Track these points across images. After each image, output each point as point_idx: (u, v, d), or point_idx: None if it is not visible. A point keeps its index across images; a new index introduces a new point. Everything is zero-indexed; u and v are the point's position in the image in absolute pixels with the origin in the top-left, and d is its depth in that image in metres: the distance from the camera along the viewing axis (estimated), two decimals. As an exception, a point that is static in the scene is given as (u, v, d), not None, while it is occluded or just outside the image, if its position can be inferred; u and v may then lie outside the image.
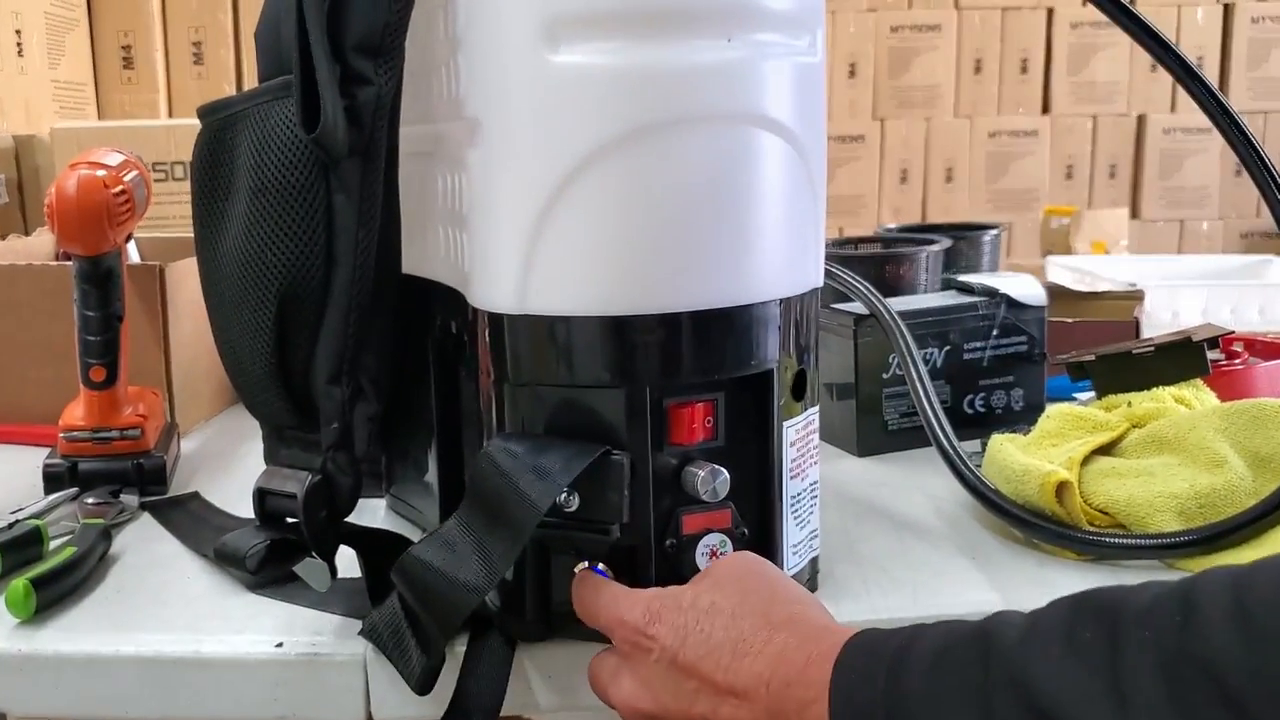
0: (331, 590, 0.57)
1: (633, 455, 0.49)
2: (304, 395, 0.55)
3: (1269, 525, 0.56)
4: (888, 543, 0.63)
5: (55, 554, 0.60)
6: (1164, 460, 0.62)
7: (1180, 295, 1.82)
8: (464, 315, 0.54)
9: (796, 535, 0.54)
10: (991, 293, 0.80)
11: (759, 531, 0.52)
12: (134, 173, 0.76)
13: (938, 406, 0.66)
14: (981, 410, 0.80)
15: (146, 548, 0.66)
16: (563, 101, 0.47)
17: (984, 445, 0.68)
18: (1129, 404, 0.69)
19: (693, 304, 0.49)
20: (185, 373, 0.90)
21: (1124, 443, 0.65)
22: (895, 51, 3.33)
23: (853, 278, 0.75)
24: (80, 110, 2.36)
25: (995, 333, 0.79)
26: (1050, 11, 3.31)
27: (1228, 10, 3.36)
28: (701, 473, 0.50)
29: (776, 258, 0.51)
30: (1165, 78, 3.37)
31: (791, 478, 0.53)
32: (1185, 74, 0.61)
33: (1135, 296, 0.99)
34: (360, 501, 0.57)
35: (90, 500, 0.71)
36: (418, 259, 0.60)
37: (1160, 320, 1.77)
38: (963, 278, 0.83)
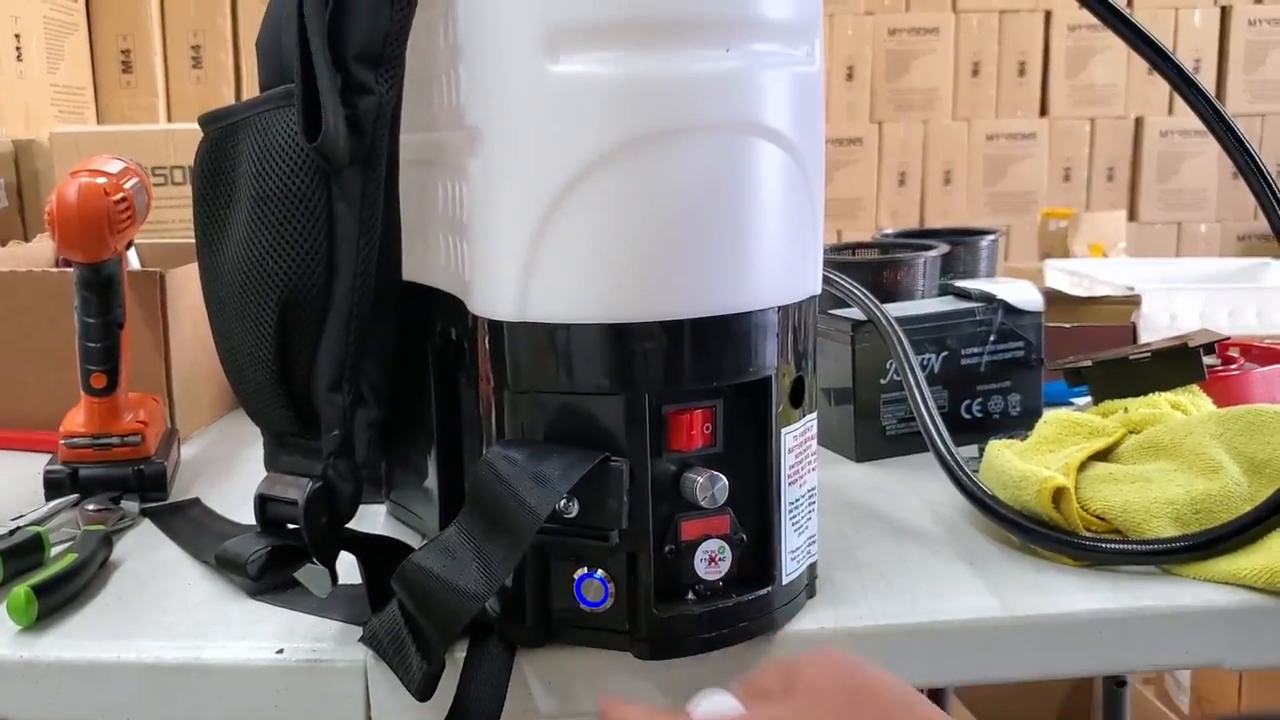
0: (332, 596, 0.57)
1: (632, 462, 0.49)
2: (305, 402, 0.55)
3: (1264, 531, 0.57)
4: (886, 548, 0.64)
5: (56, 561, 0.60)
6: (1160, 466, 0.62)
7: (1178, 298, 1.83)
8: (464, 322, 0.54)
9: (795, 541, 0.54)
10: (988, 298, 0.80)
11: (757, 538, 0.53)
12: (134, 180, 0.77)
13: (935, 412, 0.67)
14: (979, 415, 0.80)
15: (147, 554, 0.66)
16: (563, 111, 0.47)
17: (981, 451, 0.69)
18: (1126, 410, 0.69)
19: (692, 311, 0.49)
20: (185, 379, 0.90)
21: (1121, 448, 0.66)
22: (893, 54, 3.34)
23: (850, 284, 0.75)
24: (79, 114, 2.37)
25: (992, 338, 0.79)
26: (1048, 14, 3.32)
27: (1225, 13, 3.37)
28: (700, 479, 0.50)
29: (775, 265, 0.51)
30: (1163, 80, 3.37)
31: (790, 484, 0.53)
32: (1180, 79, 0.61)
33: (1132, 301, 0.99)
34: (360, 507, 0.57)
35: (91, 507, 0.71)
36: (418, 266, 0.60)
37: (1158, 324, 1.78)
38: (960, 283, 0.84)
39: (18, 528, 0.65)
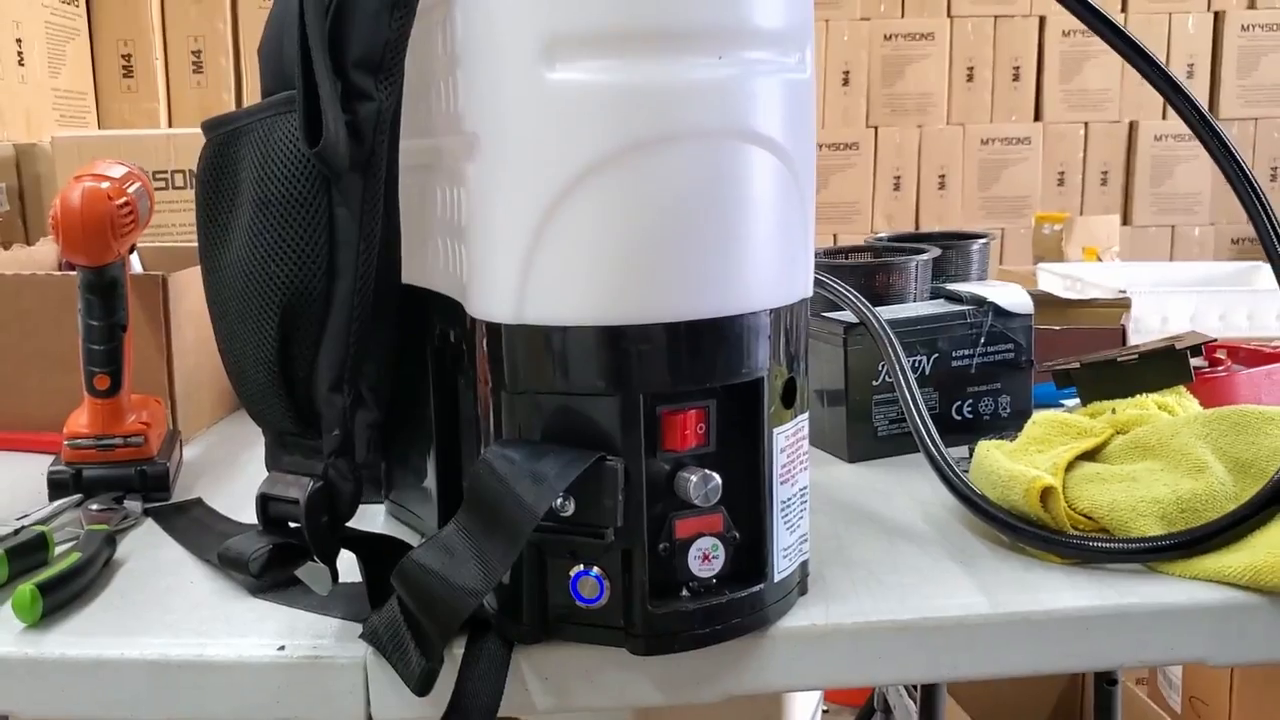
0: (332, 594, 0.58)
1: (627, 461, 0.50)
2: (306, 403, 0.56)
3: (1248, 530, 0.58)
4: (877, 547, 0.65)
5: (60, 559, 0.61)
6: (1147, 466, 0.63)
7: (1169, 301, 1.84)
8: (462, 325, 0.55)
9: (787, 539, 0.55)
10: (979, 301, 0.81)
11: (750, 536, 0.53)
12: (137, 184, 0.78)
13: (925, 414, 0.68)
14: (969, 416, 0.81)
15: (150, 553, 0.67)
16: (559, 117, 0.48)
17: (972, 451, 0.70)
18: (1113, 411, 0.70)
19: (685, 314, 0.50)
20: (187, 381, 0.91)
21: (1108, 449, 0.67)
22: (888, 60, 3.35)
23: (843, 287, 0.76)
24: (80, 119, 2.38)
25: (983, 341, 0.80)
26: (1042, 20, 3.34)
27: (1218, 18, 3.38)
28: (694, 478, 0.51)
29: (767, 269, 0.52)
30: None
31: (781, 483, 0.54)
32: (1168, 87, 0.62)
33: (1122, 304, 1.00)
34: (360, 507, 0.58)
35: (94, 507, 0.72)
36: (417, 269, 0.61)
37: (1150, 326, 1.79)
38: (951, 286, 0.85)
39: (22, 527, 0.66)
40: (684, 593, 0.52)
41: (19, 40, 2.06)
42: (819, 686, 0.57)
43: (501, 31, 0.49)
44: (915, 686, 1.42)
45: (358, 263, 0.53)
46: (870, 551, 0.64)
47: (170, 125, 2.60)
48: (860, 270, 0.88)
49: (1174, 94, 0.62)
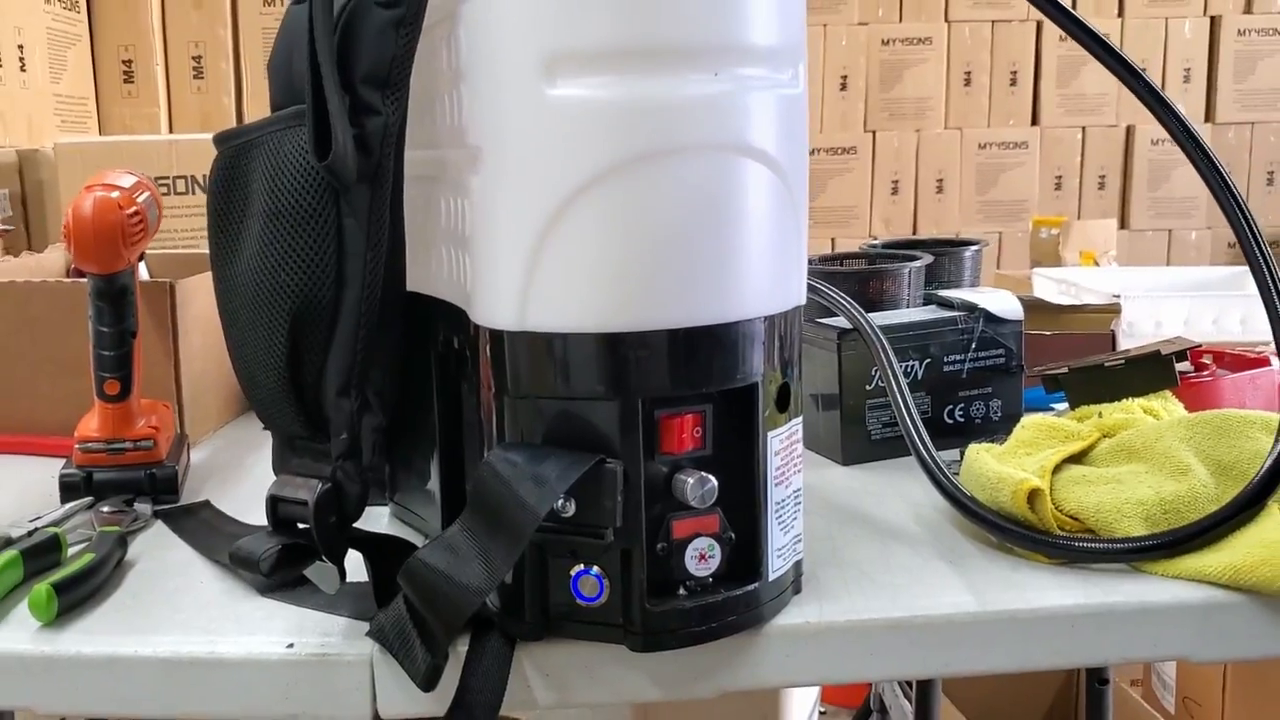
0: (339, 594, 0.60)
1: (626, 464, 0.51)
2: (315, 407, 0.57)
3: (1229, 530, 0.59)
4: (870, 548, 0.66)
5: (74, 560, 0.63)
6: (1132, 468, 0.65)
7: (1163, 306, 1.86)
8: (466, 331, 0.57)
9: (781, 539, 0.57)
10: (970, 308, 0.83)
11: (745, 536, 0.55)
12: (146, 194, 0.79)
13: (917, 418, 0.69)
14: (961, 420, 0.83)
15: (160, 554, 0.69)
16: (559, 132, 0.50)
17: (963, 454, 0.71)
18: (1100, 415, 0.72)
19: (682, 321, 0.51)
20: (194, 386, 0.93)
21: (1094, 452, 0.68)
22: (886, 64, 3.37)
23: (837, 293, 0.78)
24: (81, 124, 2.39)
25: (974, 346, 0.82)
26: (1039, 24, 3.36)
27: (1214, 23, 3.40)
28: (690, 480, 0.52)
29: (761, 278, 0.54)
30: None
31: (776, 485, 0.56)
32: (1151, 97, 0.64)
33: (1112, 310, 1.02)
34: (365, 509, 0.59)
35: (105, 509, 0.73)
36: (422, 277, 0.63)
37: (1144, 330, 1.81)
38: (943, 293, 0.86)
39: (36, 529, 0.68)
40: (681, 591, 0.54)
41: (20, 46, 2.08)
42: (813, 682, 0.59)
43: (504, 49, 0.51)
44: (911, 687, 1.44)
45: (365, 271, 0.55)
46: (863, 552, 0.65)
47: (171, 130, 2.61)
48: (854, 277, 0.90)
49: (1156, 104, 0.63)
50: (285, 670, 0.56)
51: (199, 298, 0.94)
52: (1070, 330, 0.97)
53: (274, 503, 0.59)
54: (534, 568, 0.54)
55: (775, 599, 0.57)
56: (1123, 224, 3.42)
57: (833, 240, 3.35)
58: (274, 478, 0.61)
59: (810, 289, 0.77)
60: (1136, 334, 1.66)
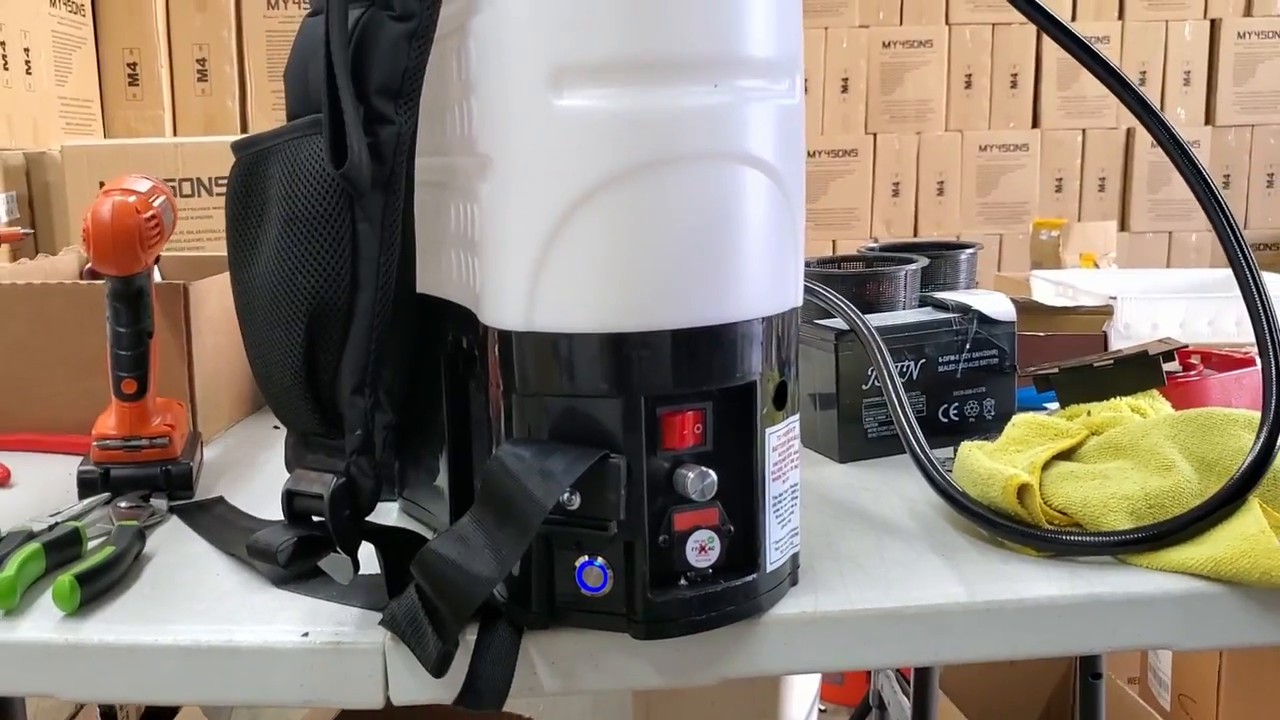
0: (352, 585, 0.62)
1: (629, 459, 0.53)
2: (330, 405, 0.60)
3: (1211, 524, 0.61)
4: (865, 542, 0.68)
5: (94, 553, 0.64)
6: (1119, 465, 0.67)
7: (1159, 307, 1.87)
8: (475, 332, 0.59)
9: (778, 533, 0.59)
10: (964, 309, 0.85)
11: (744, 529, 0.57)
12: (162, 198, 0.81)
13: (912, 416, 0.71)
14: (955, 419, 0.85)
15: (177, 548, 0.70)
16: (566, 141, 0.52)
17: (957, 452, 0.73)
18: (1089, 413, 0.74)
19: (684, 322, 0.53)
20: (207, 385, 0.95)
21: (1083, 449, 0.70)
22: (887, 67, 3.39)
23: (834, 295, 0.80)
24: (86, 127, 2.41)
25: (968, 347, 0.84)
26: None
27: (1214, 25, 3.42)
28: (691, 475, 0.54)
29: (759, 281, 0.56)
30: (1153, 92, 3.43)
31: (774, 479, 0.58)
32: (1139, 105, 0.65)
33: (1104, 311, 1.04)
34: (376, 505, 0.61)
35: (123, 504, 0.75)
36: (431, 280, 0.65)
37: (1140, 332, 1.82)
38: (939, 295, 0.89)
39: (56, 523, 0.70)
40: (682, 582, 0.55)
41: (26, 49, 2.09)
42: (809, 670, 0.61)
43: (512, 61, 0.53)
44: (909, 683, 1.46)
45: (378, 274, 0.57)
46: (858, 545, 0.67)
47: (175, 133, 2.62)
48: (852, 279, 0.92)
49: (1143, 111, 0.65)
50: (300, 658, 0.58)
51: (212, 299, 0.96)
52: (1063, 331, 0.99)
53: (290, 497, 0.61)
54: (541, 559, 0.56)
55: (773, 590, 0.59)
56: (1123, 226, 3.43)
57: (834, 242, 3.37)
58: (285, 475, 0.63)
59: (808, 291, 0.79)
60: (1134, 335, 1.67)
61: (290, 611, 0.61)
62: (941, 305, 0.87)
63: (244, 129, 2.62)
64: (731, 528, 0.56)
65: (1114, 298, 1.68)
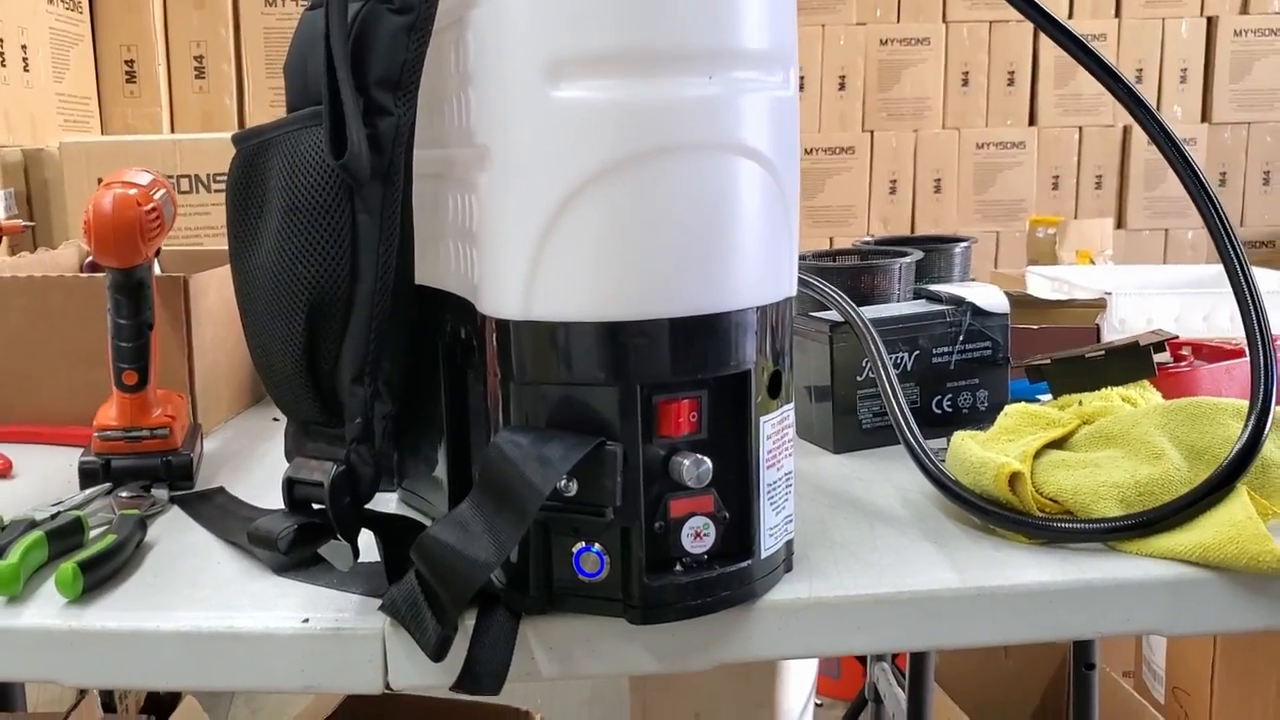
0: (352, 572, 0.62)
1: (625, 446, 0.54)
2: (330, 393, 0.60)
3: (1199, 511, 0.62)
4: (859, 530, 0.69)
5: (96, 541, 0.65)
6: (1109, 453, 0.68)
7: (1154, 303, 1.88)
8: (473, 322, 0.60)
9: (773, 519, 0.59)
10: (958, 301, 0.86)
11: (739, 516, 0.58)
12: (162, 191, 0.82)
13: (905, 406, 0.72)
14: (949, 410, 0.86)
15: (178, 536, 0.71)
16: (563, 132, 0.53)
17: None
18: (1080, 403, 0.75)
19: (679, 311, 0.54)
20: (207, 377, 0.95)
21: (1074, 438, 0.71)
22: (884, 64, 3.39)
23: (829, 288, 0.81)
24: (84, 124, 2.41)
25: (961, 338, 0.85)
26: (1036, 25, 3.37)
27: (1211, 23, 3.43)
28: (687, 462, 0.55)
29: (754, 270, 0.56)
30: (1149, 89, 3.44)
31: (768, 467, 0.58)
32: (1130, 100, 0.66)
33: (1097, 305, 1.05)
34: (375, 495, 0.62)
35: (124, 494, 0.76)
36: (429, 271, 0.66)
37: (1135, 327, 1.83)
38: (932, 287, 0.89)
39: (59, 512, 0.70)
40: (678, 568, 0.56)
41: (24, 46, 2.10)
42: (803, 655, 0.62)
43: (510, 53, 0.54)
44: (904, 676, 1.46)
45: (378, 265, 0.58)
46: (852, 533, 0.68)
47: (173, 130, 2.62)
48: (847, 272, 0.93)
49: (1134, 105, 0.66)
50: (301, 644, 0.58)
51: (211, 292, 0.97)
52: (1056, 324, 1.00)
53: (290, 484, 0.61)
54: (538, 545, 0.56)
55: (767, 575, 0.59)
56: (1119, 223, 3.44)
57: (831, 239, 3.37)
58: (285, 466, 0.64)
59: (804, 284, 0.80)
60: (1129, 331, 1.68)
61: (291, 598, 0.61)
62: (935, 298, 0.88)
63: (241, 126, 2.62)
64: (726, 514, 0.57)
65: (1109, 293, 1.69)
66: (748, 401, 0.57)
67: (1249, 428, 0.62)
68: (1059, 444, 0.71)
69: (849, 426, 0.84)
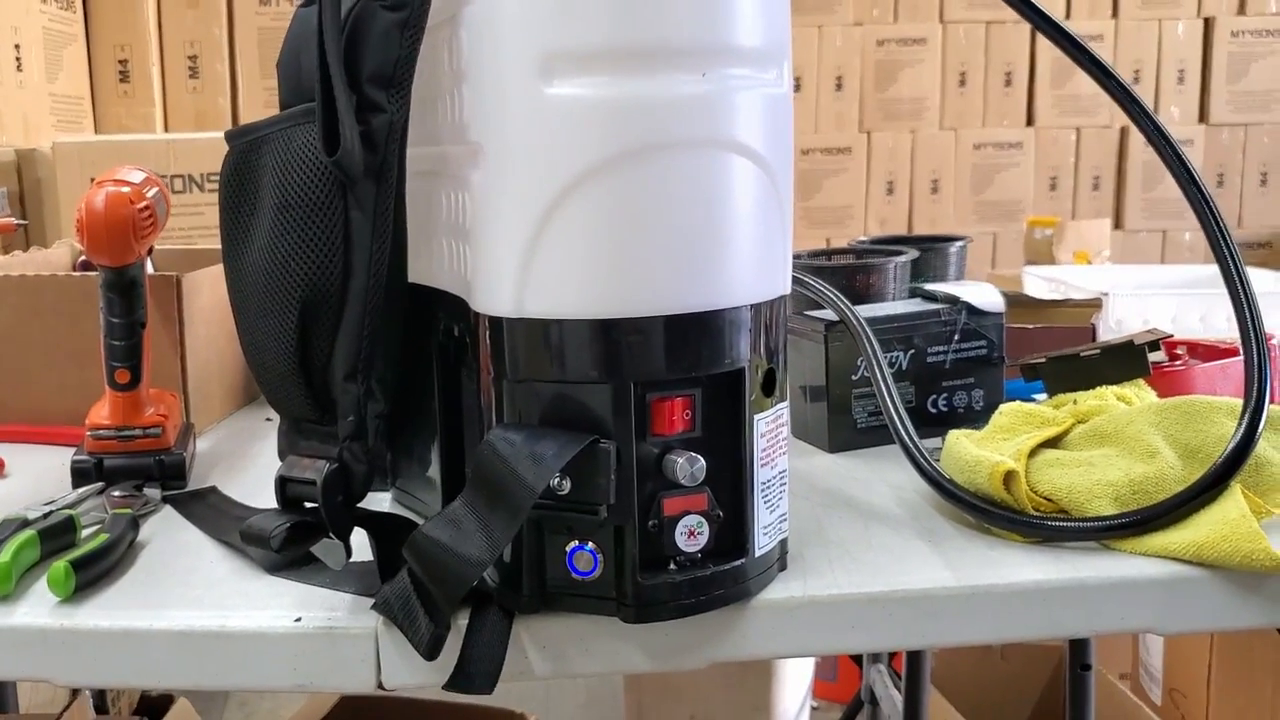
0: (345, 571, 0.62)
1: (619, 444, 0.54)
2: (323, 391, 0.60)
3: (1193, 509, 0.62)
4: (853, 528, 0.69)
5: (89, 540, 0.65)
6: (1104, 452, 0.68)
7: (1151, 303, 1.89)
8: (466, 319, 0.59)
9: (767, 518, 0.59)
10: (953, 300, 0.85)
11: (733, 514, 0.57)
12: (155, 189, 0.82)
13: (900, 406, 0.72)
14: (945, 409, 0.86)
15: (171, 536, 0.71)
16: (556, 129, 0.53)
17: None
18: (1075, 402, 0.75)
19: (673, 308, 0.54)
20: (199, 376, 0.95)
21: (1069, 436, 0.71)
22: (881, 65, 3.40)
23: (824, 286, 0.80)
24: (77, 123, 2.41)
25: (956, 338, 0.85)
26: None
27: (1208, 24, 3.43)
28: (680, 460, 0.55)
29: (748, 268, 0.56)
30: (1147, 90, 3.45)
31: (762, 465, 0.58)
32: (1124, 97, 0.66)
33: (1093, 305, 1.05)
34: (368, 495, 0.62)
35: (116, 493, 0.76)
36: (423, 269, 0.66)
37: (1132, 327, 1.84)
38: (928, 286, 0.89)
39: (51, 511, 0.70)
40: (671, 566, 0.56)
41: (17, 45, 2.10)
42: (797, 654, 0.62)
43: (503, 50, 0.54)
44: (900, 678, 1.46)
45: (371, 262, 0.58)
46: (847, 532, 0.68)
47: (166, 130, 2.62)
48: (842, 271, 0.93)
49: (1128, 103, 0.66)
50: (293, 643, 0.58)
51: (204, 291, 0.96)
52: (1051, 324, 1.00)
53: (283, 483, 0.61)
54: (532, 544, 0.56)
55: (761, 574, 0.59)
56: (1117, 224, 3.45)
57: (828, 240, 3.38)
58: (276, 465, 0.63)
59: (799, 283, 0.80)
60: (1126, 331, 1.69)
61: (283, 597, 0.61)
62: (930, 296, 0.88)
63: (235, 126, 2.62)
64: (720, 513, 0.57)
65: (1105, 293, 1.69)
66: (742, 399, 0.57)
67: (1243, 426, 0.62)
68: (1054, 443, 0.71)
69: (844, 425, 0.84)
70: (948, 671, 1.67)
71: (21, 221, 1.41)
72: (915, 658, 1.39)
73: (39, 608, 0.60)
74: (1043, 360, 0.80)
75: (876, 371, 0.75)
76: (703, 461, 0.55)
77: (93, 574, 0.63)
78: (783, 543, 0.62)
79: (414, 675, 0.58)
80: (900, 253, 0.94)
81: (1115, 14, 3.43)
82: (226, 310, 0.65)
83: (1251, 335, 0.62)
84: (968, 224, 3.42)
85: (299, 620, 0.59)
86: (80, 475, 0.78)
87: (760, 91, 0.55)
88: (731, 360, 0.56)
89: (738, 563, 0.58)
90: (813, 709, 2.01)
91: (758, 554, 0.59)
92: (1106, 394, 0.75)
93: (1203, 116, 3.47)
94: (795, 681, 1.76)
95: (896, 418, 0.71)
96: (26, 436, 0.92)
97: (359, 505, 0.62)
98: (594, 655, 0.59)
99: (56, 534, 0.67)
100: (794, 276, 0.70)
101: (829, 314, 0.82)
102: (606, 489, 0.54)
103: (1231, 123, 3.46)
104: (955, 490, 0.67)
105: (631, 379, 0.54)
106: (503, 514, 0.53)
